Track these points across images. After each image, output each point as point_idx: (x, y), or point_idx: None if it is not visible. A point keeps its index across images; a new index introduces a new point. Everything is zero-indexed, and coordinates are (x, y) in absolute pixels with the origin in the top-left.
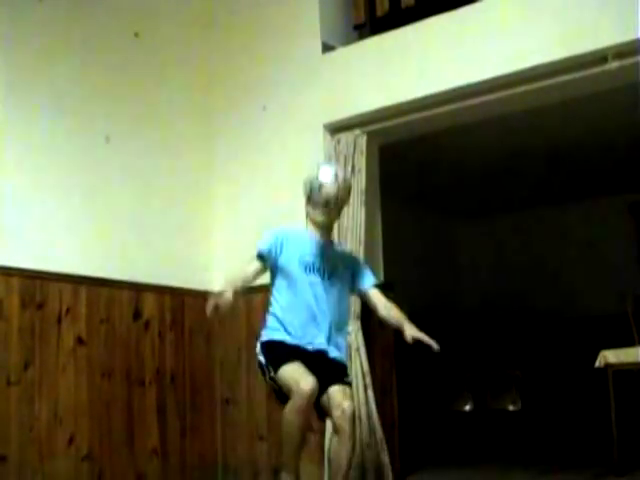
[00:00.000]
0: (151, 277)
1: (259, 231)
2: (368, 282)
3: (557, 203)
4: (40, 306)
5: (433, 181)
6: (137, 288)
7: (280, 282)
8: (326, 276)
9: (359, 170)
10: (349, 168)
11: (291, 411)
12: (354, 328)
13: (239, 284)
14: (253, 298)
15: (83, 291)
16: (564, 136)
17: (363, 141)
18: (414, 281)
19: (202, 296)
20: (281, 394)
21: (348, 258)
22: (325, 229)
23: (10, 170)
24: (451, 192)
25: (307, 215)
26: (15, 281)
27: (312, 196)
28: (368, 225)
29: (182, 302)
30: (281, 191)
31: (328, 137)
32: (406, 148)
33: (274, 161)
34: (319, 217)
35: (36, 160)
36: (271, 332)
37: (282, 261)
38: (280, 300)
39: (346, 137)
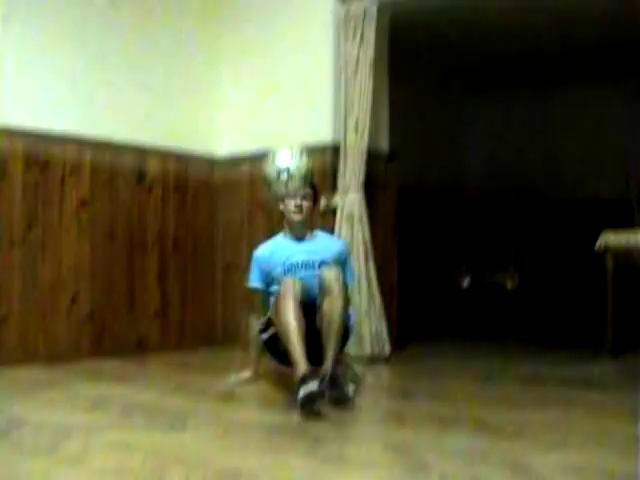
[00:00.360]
0: (155, 141)
1: (263, 97)
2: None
3: (567, 84)
4: (44, 167)
5: (442, 56)
6: (141, 151)
7: (275, 288)
8: (315, 265)
9: (368, 41)
10: (357, 39)
11: (280, 304)
12: (357, 197)
13: (257, 353)
14: (257, 164)
15: (87, 153)
16: (577, 15)
17: (373, 11)
18: (418, 156)
19: (206, 161)
20: (275, 347)
21: (335, 246)
22: (301, 226)
23: (15, 32)
24: (459, 68)
25: (283, 215)
26: (19, 142)
27: (275, 188)
28: (375, 97)
29: (186, 167)
30: (287, 57)
31: (338, 6)
32: (416, 22)
33: (281, 29)
34: (294, 217)
35: (41, 22)
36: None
37: (272, 276)
38: None
39: (356, 7)
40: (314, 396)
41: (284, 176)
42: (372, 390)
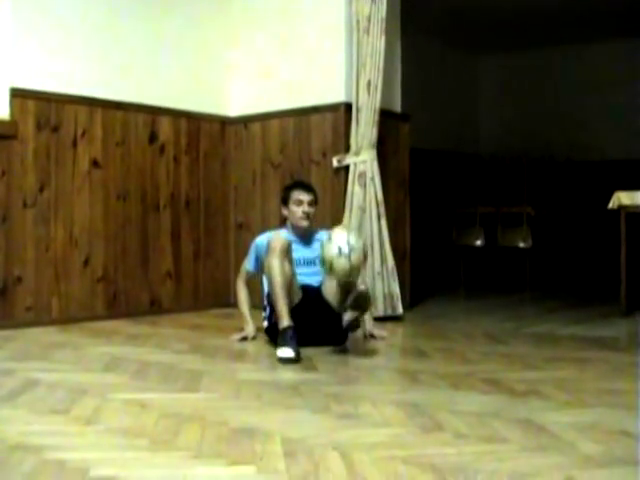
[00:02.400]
0: (167, 101)
1: (275, 57)
2: None
3: (582, 43)
4: (56, 129)
5: (456, 15)
6: (153, 112)
7: None
8: (316, 262)
9: None
10: None
11: (267, 260)
12: (369, 157)
13: (247, 309)
14: (269, 124)
15: (99, 114)
16: None
17: None
18: (430, 117)
19: (218, 121)
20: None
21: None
22: (306, 230)
23: None
24: (475, 26)
25: (286, 217)
26: (30, 103)
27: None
28: (387, 54)
29: (198, 127)
30: (298, 16)
31: None
32: None
33: None
34: (302, 223)
35: None
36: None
37: None
38: None
39: None
40: (290, 361)
41: (345, 251)
42: (385, 350)
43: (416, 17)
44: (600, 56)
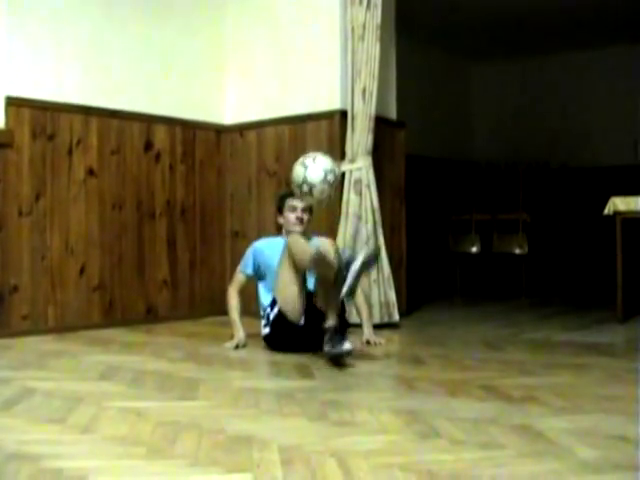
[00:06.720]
0: (162, 109)
1: (270, 64)
2: None
3: (575, 50)
4: (51, 137)
5: (451, 21)
6: (148, 120)
7: (267, 284)
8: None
9: (375, 5)
10: (364, 4)
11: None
12: (365, 164)
13: (238, 316)
14: (264, 132)
15: (94, 122)
16: None
17: None
18: (425, 124)
19: (213, 129)
20: (274, 341)
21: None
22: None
23: (21, 3)
24: (470, 34)
25: (282, 226)
26: (26, 112)
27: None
28: (382, 61)
29: (193, 135)
30: (293, 24)
31: None
32: None
33: None
34: (295, 228)
35: None
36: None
37: (263, 272)
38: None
39: None
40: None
41: (305, 188)
42: (382, 357)
43: (411, 25)
44: (595, 63)
